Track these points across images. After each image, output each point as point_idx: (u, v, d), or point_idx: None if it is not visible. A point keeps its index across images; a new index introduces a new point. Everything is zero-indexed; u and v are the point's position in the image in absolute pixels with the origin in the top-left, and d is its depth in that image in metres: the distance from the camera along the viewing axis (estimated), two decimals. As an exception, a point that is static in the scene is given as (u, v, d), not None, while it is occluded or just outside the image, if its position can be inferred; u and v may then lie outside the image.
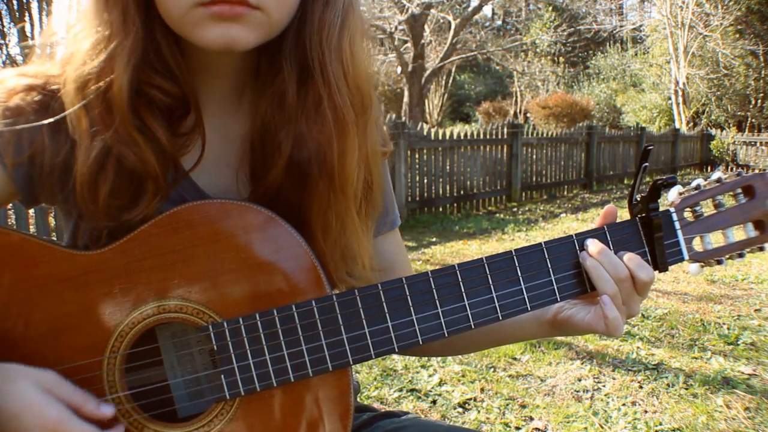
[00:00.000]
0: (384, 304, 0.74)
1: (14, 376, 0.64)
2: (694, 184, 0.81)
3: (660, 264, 0.79)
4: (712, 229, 0.80)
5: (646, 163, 0.77)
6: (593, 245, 0.77)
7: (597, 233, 0.79)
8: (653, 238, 0.79)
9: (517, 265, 0.77)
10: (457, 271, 0.75)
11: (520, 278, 0.77)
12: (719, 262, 0.81)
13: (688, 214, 0.81)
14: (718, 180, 0.80)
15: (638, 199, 0.80)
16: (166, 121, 0.73)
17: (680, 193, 0.81)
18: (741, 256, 0.81)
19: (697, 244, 0.81)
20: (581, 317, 0.81)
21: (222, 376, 0.72)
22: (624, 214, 0.82)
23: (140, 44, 0.69)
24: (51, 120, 0.72)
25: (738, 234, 0.81)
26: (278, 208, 0.75)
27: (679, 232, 0.80)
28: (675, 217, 0.80)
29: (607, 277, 0.76)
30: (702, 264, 0.81)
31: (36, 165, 0.74)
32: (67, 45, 0.71)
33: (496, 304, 0.76)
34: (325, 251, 0.78)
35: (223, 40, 0.66)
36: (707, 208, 0.81)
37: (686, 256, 0.80)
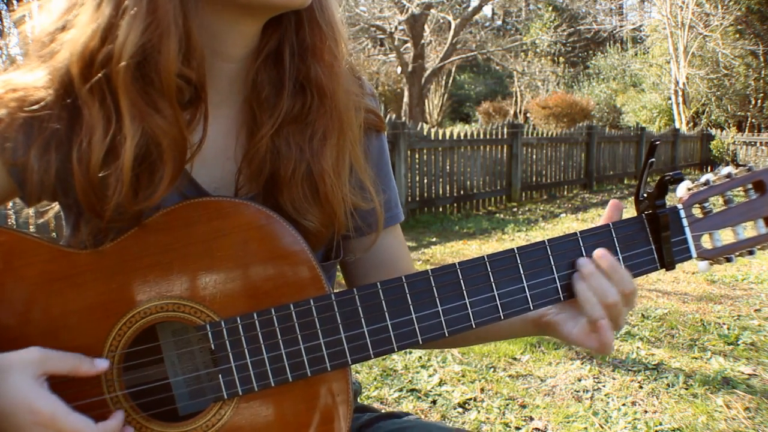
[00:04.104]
0: (383, 303, 0.73)
1: (2, 371, 0.62)
2: (703, 179, 0.79)
3: (667, 262, 0.77)
4: (721, 226, 0.78)
5: (653, 159, 0.75)
6: (586, 267, 0.74)
7: (602, 231, 0.77)
8: (660, 236, 0.76)
9: (519, 263, 0.75)
10: (458, 270, 0.74)
11: (523, 276, 0.75)
12: (728, 260, 0.79)
13: (696, 211, 0.78)
14: (728, 175, 0.78)
15: (645, 195, 0.77)
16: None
17: (689, 189, 0.78)
18: (751, 253, 0.78)
19: (705, 242, 0.78)
20: (568, 330, 0.78)
21: (219, 375, 0.72)
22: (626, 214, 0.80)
23: (184, 23, 0.67)
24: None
25: (749, 231, 0.79)
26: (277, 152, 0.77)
27: (687, 230, 0.78)
28: (683, 213, 0.78)
29: (595, 301, 0.73)
30: (711, 262, 0.79)
31: (27, 176, 0.73)
32: (83, 31, 0.67)
33: (498, 303, 0.75)
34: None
35: None
36: (717, 205, 0.78)
37: (694, 254, 0.78)
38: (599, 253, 0.74)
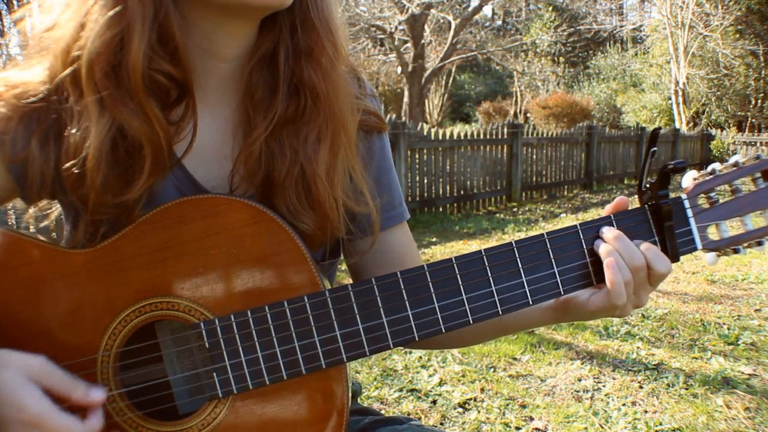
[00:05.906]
0: (378, 299, 0.72)
1: (1, 365, 0.62)
2: (709, 168, 0.77)
3: (671, 254, 0.76)
4: (728, 216, 0.76)
5: (655, 147, 0.73)
6: (609, 231, 0.75)
7: (603, 222, 0.76)
8: (663, 227, 0.75)
9: (517, 257, 0.74)
10: (455, 265, 0.73)
11: (521, 271, 0.74)
12: (736, 251, 0.77)
13: (702, 201, 0.76)
14: (735, 164, 0.76)
15: (647, 186, 0.76)
16: (159, 105, 0.71)
17: (694, 179, 0.77)
18: (760, 244, 0.77)
19: (712, 233, 0.77)
20: (585, 297, 0.78)
21: (214, 374, 0.71)
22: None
23: (155, 19, 0.67)
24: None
25: (757, 221, 0.77)
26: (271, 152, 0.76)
27: (692, 220, 0.76)
28: (687, 204, 0.76)
29: (622, 263, 0.73)
30: (718, 253, 0.77)
31: (29, 170, 0.73)
32: (64, 27, 0.69)
33: (496, 299, 0.73)
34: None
35: None
36: (724, 195, 0.76)
37: (699, 245, 0.76)
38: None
